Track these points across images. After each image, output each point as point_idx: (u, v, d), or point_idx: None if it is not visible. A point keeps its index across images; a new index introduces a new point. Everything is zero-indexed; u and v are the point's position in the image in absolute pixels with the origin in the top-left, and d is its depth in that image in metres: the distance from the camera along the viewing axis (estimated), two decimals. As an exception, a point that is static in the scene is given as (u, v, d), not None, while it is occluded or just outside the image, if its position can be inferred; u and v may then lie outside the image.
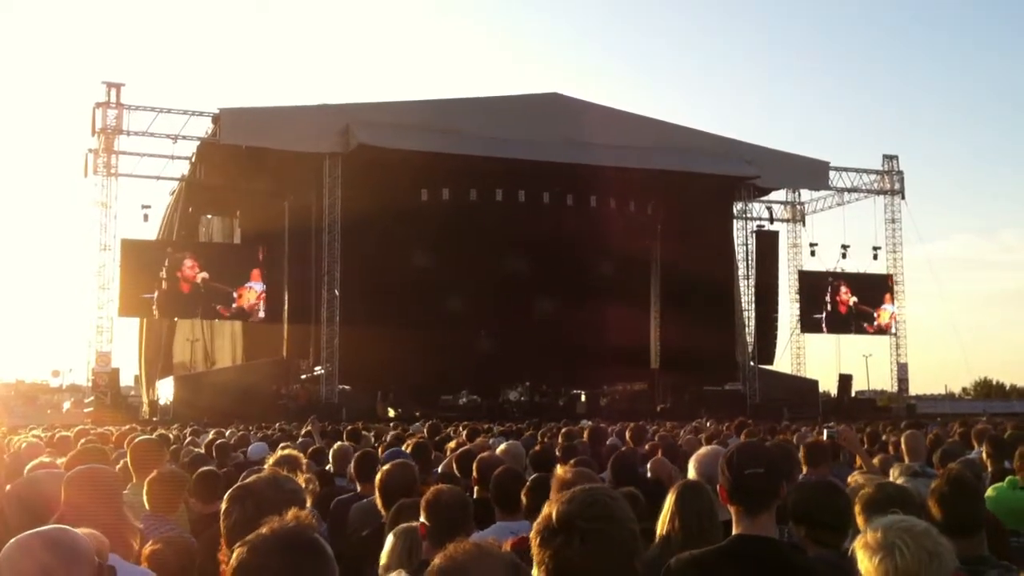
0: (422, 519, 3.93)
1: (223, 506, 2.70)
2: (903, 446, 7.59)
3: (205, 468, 6.73)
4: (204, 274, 39.47)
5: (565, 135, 40.76)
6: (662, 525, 4.05)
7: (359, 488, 6.56)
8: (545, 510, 2.25)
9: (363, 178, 37.55)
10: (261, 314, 40.82)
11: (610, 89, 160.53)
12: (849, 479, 4.50)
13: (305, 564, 2.10)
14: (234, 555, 2.11)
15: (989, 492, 5.59)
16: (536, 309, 44.32)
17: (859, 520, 3.53)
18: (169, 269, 38.99)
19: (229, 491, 2.76)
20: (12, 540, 2.48)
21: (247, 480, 2.82)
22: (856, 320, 49.09)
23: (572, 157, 40.05)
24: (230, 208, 45.41)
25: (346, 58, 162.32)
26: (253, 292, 40.34)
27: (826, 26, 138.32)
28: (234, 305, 40.20)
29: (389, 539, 4.20)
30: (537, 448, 7.98)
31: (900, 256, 49.79)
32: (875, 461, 6.90)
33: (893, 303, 49.61)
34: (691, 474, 4.63)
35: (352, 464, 6.94)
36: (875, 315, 49.31)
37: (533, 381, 43.32)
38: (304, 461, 7.19)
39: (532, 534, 2.22)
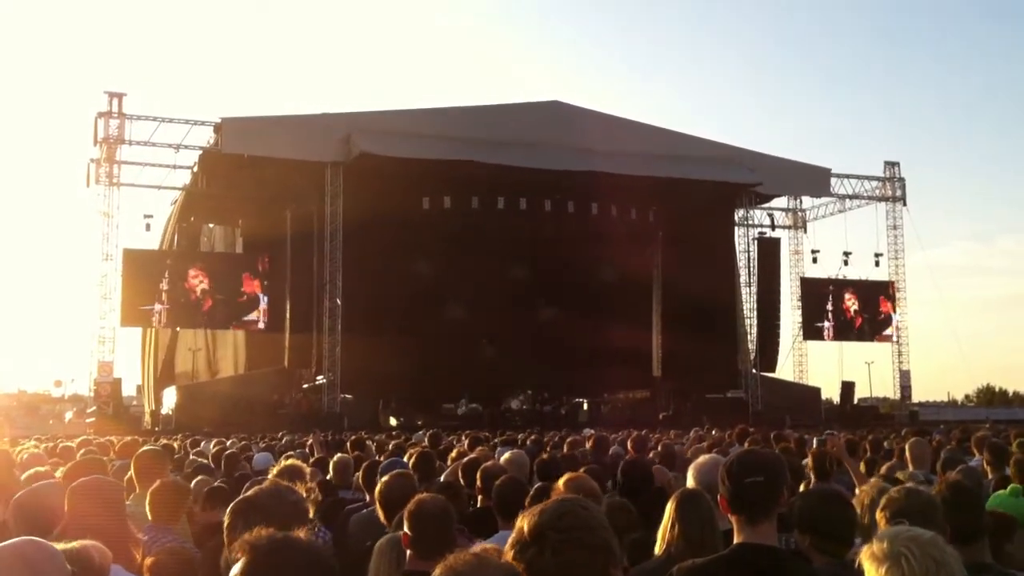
0: (405, 529, 3.93)
1: (226, 520, 2.70)
2: (908, 454, 7.59)
3: (203, 478, 6.76)
4: (204, 285, 39.53)
5: (566, 142, 40.80)
6: (663, 534, 4.05)
7: (368, 498, 6.56)
8: (518, 522, 2.27)
9: (365, 186, 37.58)
10: (261, 324, 40.86)
11: (611, 96, 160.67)
12: (862, 487, 4.47)
13: (305, 570, 2.15)
14: (244, 556, 2.15)
15: (992, 500, 5.58)
16: (538, 317, 44.34)
17: (881, 525, 3.49)
18: (172, 279, 39.06)
19: (232, 505, 2.76)
20: None
21: (249, 493, 2.82)
22: (861, 328, 49.10)
23: (573, 164, 40.09)
24: (232, 217, 45.45)
25: (347, 67, 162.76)
26: (256, 302, 40.39)
27: (827, 33, 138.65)
28: (239, 300, 40.34)
29: (375, 550, 4.19)
30: (544, 456, 7.98)
31: (902, 263, 49.86)
32: (882, 469, 6.89)
33: (895, 310, 49.61)
34: (690, 483, 4.63)
35: (360, 475, 6.95)
36: (877, 321, 49.34)
37: (535, 389, 43.29)
38: (308, 471, 7.21)
39: (507, 546, 2.23)
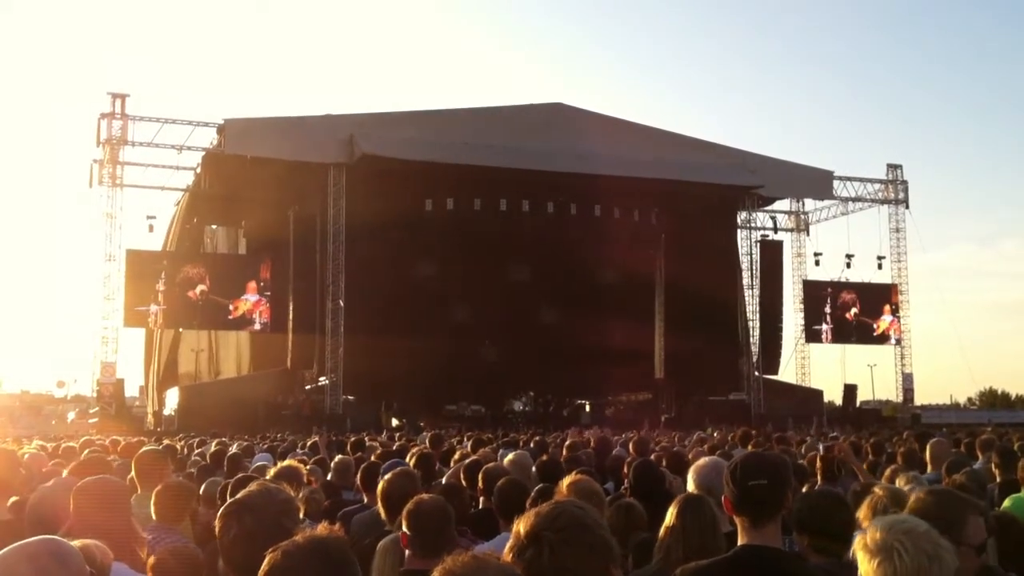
0: (403, 528, 3.92)
1: (218, 524, 2.69)
2: (928, 454, 7.71)
3: (215, 479, 6.77)
4: (203, 286, 39.48)
5: (569, 145, 40.81)
6: (663, 537, 4.03)
7: (366, 499, 6.55)
8: (515, 526, 2.29)
9: (367, 188, 37.63)
10: (257, 325, 40.80)
11: (614, 98, 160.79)
12: (876, 488, 4.45)
13: (333, 572, 2.20)
14: (267, 560, 2.19)
15: (1006, 503, 5.56)
16: (540, 319, 44.35)
17: None
18: (168, 280, 39.04)
19: (223, 508, 2.76)
20: (6, 548, 2.46)
21: (239, 495, 2.82)
22: (858, 330, 49.11)
23: (576, 167, 40.10)
24: (235, 218, 45.49)
25: (350, 68, 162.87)
26: (248, 302, 40.29)
27: (830, 36, 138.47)
28: (230, 317, 40.32)
29: (379, 550, 4.18)
30: (544, 458, 7.97)
31: (904, 265, 49.79)
32: (887, 472, 6.90)
33: (894, 313, 49.56)
34: (690, 486, 4.62)
35: (358, 475, 6.95)
36: (875, 325, 49.36)
37: (537, 391, 43.28)
38: (305, 472, 7.21)
39: (506, 551, 2.24)
